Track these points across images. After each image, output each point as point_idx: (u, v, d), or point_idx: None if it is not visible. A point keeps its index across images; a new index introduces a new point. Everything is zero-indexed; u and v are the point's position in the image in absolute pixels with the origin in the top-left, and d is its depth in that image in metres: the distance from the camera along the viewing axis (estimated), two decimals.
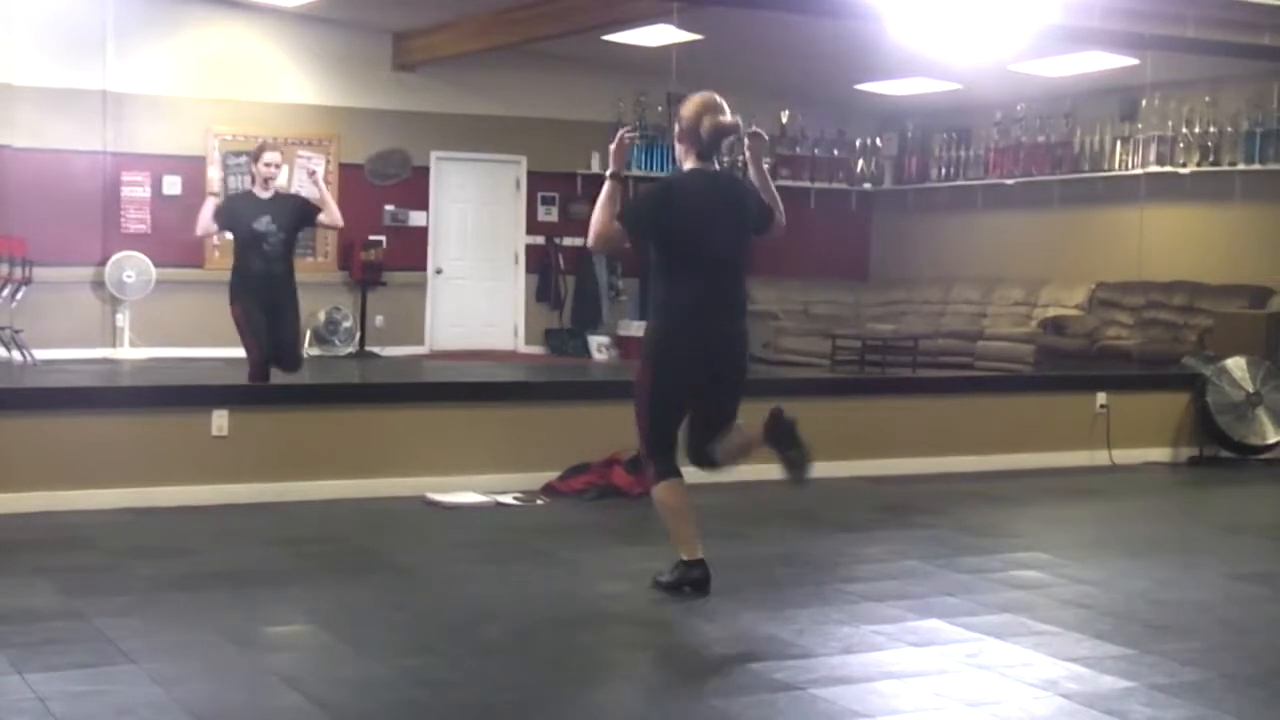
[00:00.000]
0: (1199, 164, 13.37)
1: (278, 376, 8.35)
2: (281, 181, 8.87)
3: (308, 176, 14.35)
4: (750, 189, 5.59)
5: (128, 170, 13.52)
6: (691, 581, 5.35)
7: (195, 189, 13.83)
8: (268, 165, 8.34)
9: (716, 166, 5.48)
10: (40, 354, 12.34)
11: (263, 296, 8.30)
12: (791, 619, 5.05)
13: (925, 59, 12.56)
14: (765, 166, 5.62)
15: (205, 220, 8.43)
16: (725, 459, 5.56)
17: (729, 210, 5.41)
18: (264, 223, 8.26)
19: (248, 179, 13.74)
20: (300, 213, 8.55)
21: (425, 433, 7.54)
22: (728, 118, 5.36)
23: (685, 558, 5.38)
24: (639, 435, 5.44)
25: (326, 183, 14.26)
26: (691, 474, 5.47)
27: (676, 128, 5.44)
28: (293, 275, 8.45)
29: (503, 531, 6.65)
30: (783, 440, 5.41)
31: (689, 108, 5.40)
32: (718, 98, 5.40)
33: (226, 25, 13.94)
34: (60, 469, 6.78)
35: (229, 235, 8.56)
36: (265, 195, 8.36)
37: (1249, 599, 5.66)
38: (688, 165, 5.43)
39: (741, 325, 5.51)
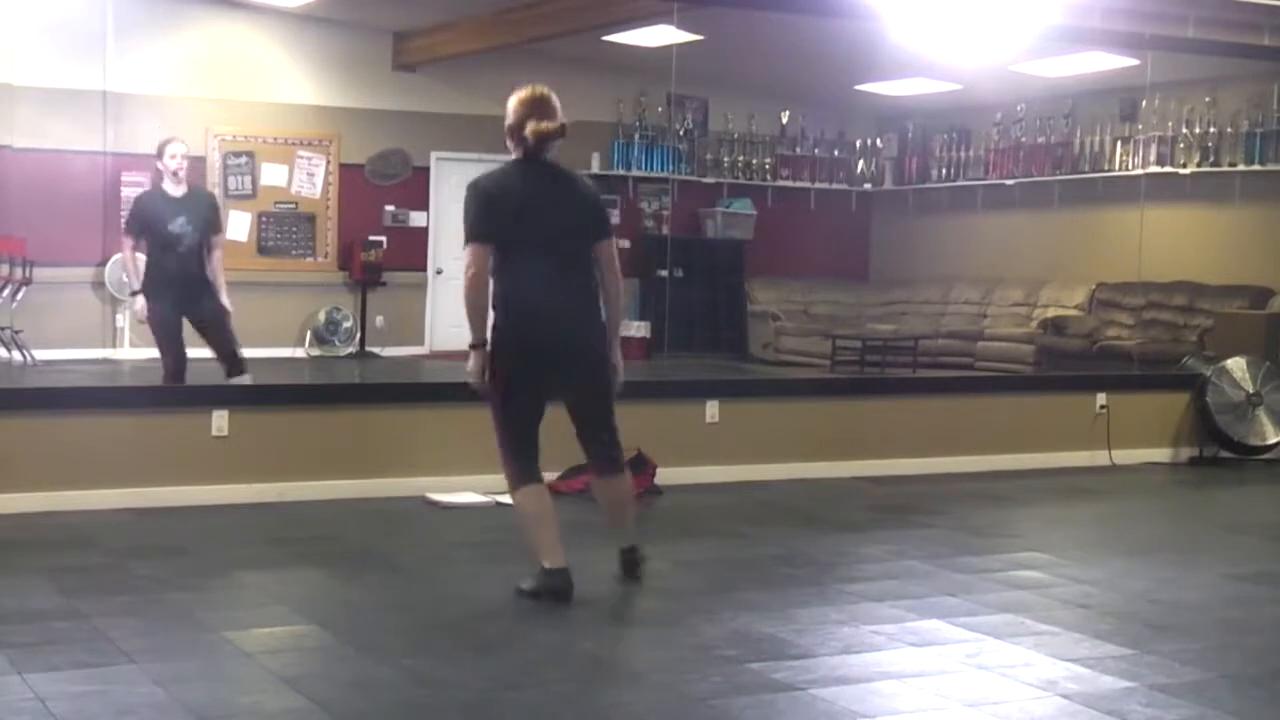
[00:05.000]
0: (1199, 164, 13.37)
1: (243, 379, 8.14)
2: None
3: (306, 178, 14.45)
4: (591, 189, 5.36)
5: (128, 170, 13.48)
6: (552, 590, 5.15)
7: None
8: (173, 158, 8.05)
9: (549, 159, 5.18)
10: (40, 354, 12.32)
11: (179, 298, 8.11)
12: (791, 619, 5.04)
13: (925, 59, 12.55)
14: None
15: (127, 261, 8.19)
16: (606, 509, 5.46)
17: (565, 203, 5.18)
18: (179, 224, 8.03)
19: (247, 179, 13.90)
20: (212, 217, 8.28)
21: (425, 433, 7.52)
22: (553, 123, 5.07)
23: (547, 565, 5.18)
24: (496, 438, 5.32)
25: (327, 183, 14.43)
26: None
27: (506, 123, 5.15)
28: (205, 273, 8.18)
29: (503, 531, 6.62)
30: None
31: (512, 108, 5.13)
32: (546, 96, 5.12)
33: (226, 25, 13.94)
34: (60, 469, 6.77)
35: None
36: (178, 193, 8.10)
37: (1249, 599, 5.66)
38: (515, 156, 5.18)
39: (588, 324, 5.25)
